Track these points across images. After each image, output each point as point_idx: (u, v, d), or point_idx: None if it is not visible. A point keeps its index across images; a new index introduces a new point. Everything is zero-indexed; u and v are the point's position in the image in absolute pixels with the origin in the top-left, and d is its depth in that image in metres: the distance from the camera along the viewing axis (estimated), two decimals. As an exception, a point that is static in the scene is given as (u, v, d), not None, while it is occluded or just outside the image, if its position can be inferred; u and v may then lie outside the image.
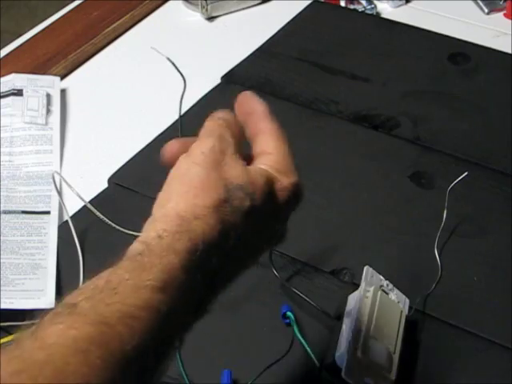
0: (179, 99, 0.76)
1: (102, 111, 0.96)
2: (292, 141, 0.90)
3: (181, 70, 0.68)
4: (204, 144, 0.52)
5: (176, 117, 0.91)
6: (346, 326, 0.66)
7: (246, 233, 0.51)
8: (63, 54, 1.01)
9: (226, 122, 0.54)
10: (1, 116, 0.90)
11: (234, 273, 0.52)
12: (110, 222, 0.78)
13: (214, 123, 0.53)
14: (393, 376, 0.64)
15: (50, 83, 0.95)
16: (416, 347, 0.70)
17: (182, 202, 0.49)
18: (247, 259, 0.53)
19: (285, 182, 0.53)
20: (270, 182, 0.52)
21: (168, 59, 0.66)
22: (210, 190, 0.49)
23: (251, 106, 0.55)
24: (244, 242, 0.51)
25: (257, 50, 1.01)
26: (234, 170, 0.51)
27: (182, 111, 0.90)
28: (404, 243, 0.78)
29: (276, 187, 0.53)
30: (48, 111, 0.92)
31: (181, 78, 0.66)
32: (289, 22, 1.05)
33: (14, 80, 0.94)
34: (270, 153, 0.54)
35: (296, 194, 0.54)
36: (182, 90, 0.77)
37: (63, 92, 0.97)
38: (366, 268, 0.70)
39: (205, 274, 0.48)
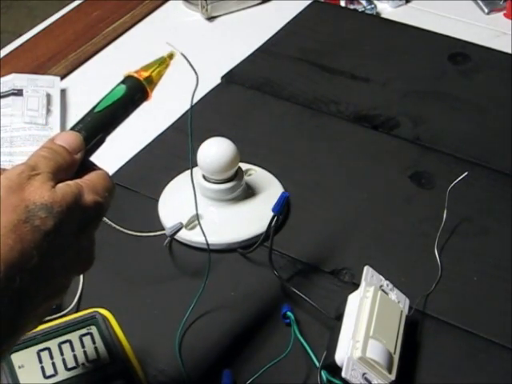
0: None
1: (101, 111, 0.95)
2: (292, 141, 0.91)
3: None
4: (13, 170, 0.53)
5: (175, 118, 0.91)
6: (346, 326, 0.66)
7: (50, 251, 0.51)
8: (63, 53, 1.01)
9: (50, 150, 0.55)
10: (1, 116, 0.90)
11: (45, 292, 0.52)
12: (110, 222, 0.78)
13: (37, 152, 0.55)
14: (393, 376, 0.64)
15: (50, 83, 0.95)
16: (416, 347, 0.70)
17: None
18: (55, 278, 0.53)
19: (89, 198, 0.54)
20: (77, 197, 0.54)
21: (182, 54, 0.66)
22: (6, 212, 0.50)
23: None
24: (50, 259, 0.51)
25: (257, 50, 1.01)
26: (39, 191, 0.52)
27: (182, 112, 0.90)
28: (404, 243, 0.78)
29: (82, 203, 0.54)
30: (48, 111, 0.92)
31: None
32: (289, 22, 1.05)
33: (14, 80, 0.94)
34: (90, 172, 0.57)
35: (98, 212, 0.56)
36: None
37: (63, 92, 0.97)
38: (366, 268, 0.70)
39: (11, 295, 0.49)
